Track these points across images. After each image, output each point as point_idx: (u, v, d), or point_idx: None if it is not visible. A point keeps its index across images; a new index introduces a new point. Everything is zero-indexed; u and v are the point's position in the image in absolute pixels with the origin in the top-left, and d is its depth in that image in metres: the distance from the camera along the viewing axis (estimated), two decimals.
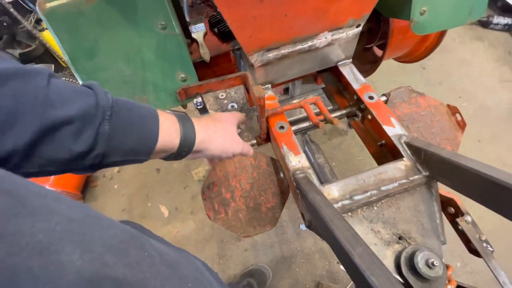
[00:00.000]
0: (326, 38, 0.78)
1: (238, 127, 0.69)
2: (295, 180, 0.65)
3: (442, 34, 1.03)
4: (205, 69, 0.97)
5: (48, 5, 0.60)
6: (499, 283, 0.50)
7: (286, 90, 1.83)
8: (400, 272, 0.51)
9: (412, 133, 0.81)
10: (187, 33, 0.92)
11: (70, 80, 1.82)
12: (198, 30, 0.98)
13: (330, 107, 0.94)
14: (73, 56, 0.67)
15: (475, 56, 2.21)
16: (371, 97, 0.79)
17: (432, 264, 0.48)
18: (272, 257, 1.50)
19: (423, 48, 1.13)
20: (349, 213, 0.60)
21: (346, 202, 0.60)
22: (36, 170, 0.35)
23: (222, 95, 2.12)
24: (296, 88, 1.42)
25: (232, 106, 2.05)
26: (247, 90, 0.73)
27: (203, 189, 0.76)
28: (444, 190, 0.63)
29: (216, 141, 0.56)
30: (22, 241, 0.19)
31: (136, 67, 0.72)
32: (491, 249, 0.55)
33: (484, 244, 0.56)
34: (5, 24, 1.81)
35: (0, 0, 1.73)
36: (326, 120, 0.73)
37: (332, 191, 0.63)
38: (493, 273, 0.51)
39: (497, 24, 2.31)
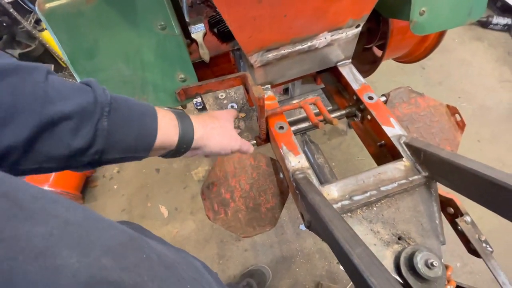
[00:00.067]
0: (325, 38, 0.78)
1: (234, 123, 0.69)
2: (294, 180, 0.65)
3: (441, 34, 1.03)
4: (205, 70, 0.97)
5: (48, 5, 0.60)
6: (499, 283, 0.50)
7: (286, 91, 1.83)
8: (399, 273, 0.51)
9: (412, 133, 0.81)
10: (186, 34, 0.92)
11: (70, 80, 1.82)
12: (198, 31, 0.98)
13: (330, 108, 0.94)
14: (73, 56, 0.67)
15: (474, 56, 2.21)
16: (370, 98, 0.79)
17: (432, 264, 0.48)
18: (272, 257, 1.50)
19: (422, 48, 1.13)
20: (349, 214, 0.60)
21: (346, 202, 0.60)
22: (35, 167, 0.35)
23: (221, 96, 2.12)
24: (295, 89, 1.42)
25: (232, 106, 2.05)
26: (247, 90, 0.73)
27: (203, 189, 0.76)
28: (444, 190, 0.63)
29: (215, 138, 0.56)
30: (19, 245, 0.19)
31: (135, 68, 0.72)
32: (491, 249, 0.55)
33: (484, 244, 0.56)
34: (4, 24, 1.81)
35: (0, 0, 1.73)
36: (326, 121, 0.73)
37: (332, 191, 0.63)
38: (492, 273, 0.51)
39: (496, 24, 2.31)
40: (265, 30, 0.67)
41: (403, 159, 0.66)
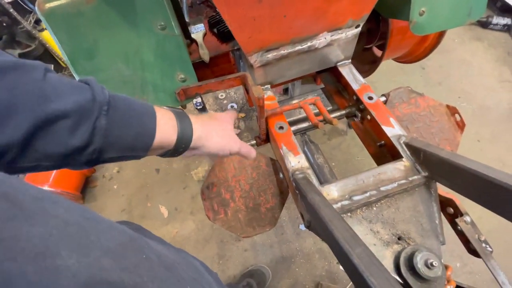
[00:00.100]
0: (325, 38, 0.78)
1: (234, 123, 0.69)
2: (294, 180, 0.65)
3: (441, 34, 1.04)
4: (205, 70, 0.97)
5: (48, 5, 0.60)
6: (498, 283, 0.50)
7: (286, 91, 1.83)
8: (399, 273, 0.51)
9: (411, 133, 0.81)
10: (186, 34, 0.92)
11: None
12: (198, 31, 0.98)
13: (330, 108, 0.94)
14: (73, 56, 0.67)
15: (474, 57, 2.21)
16: (370, 98, 0.79)
17: (431, 264, 0.48)
18: (272, 257, 1.50)
19: (422, 48, 1.13)
20: (349, 214, 0.60)
21: (346, 202, 0.60)
22: (32, 165, 0.35)
23: (221, 96, 2.12)
24: (295, 89, 1.43)
25: (232, 106, 2.05)
26: (247, 90, 0.73)
27: (203, 190, 0.76)
28: (443, 190, 0.63)
29: (213, 138, 0.55)
30: (18, 245, 0.19)
31: (135, 68, 0.72)
32: (490, 249, 0.55)
33: (483, 244, 0.56)
34: (4, 24, 1.81)
35: (0, 0, 1.73)
36: (326, 121, 0.73)
37: (332, 191, 0.63)
38: (492, 273, 0.51)
39: (496, 24, 2.31)
40: (265, 30, 0.67)
41: (403, 159, 0.66)
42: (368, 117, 0.77)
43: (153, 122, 0.45)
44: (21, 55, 1.90)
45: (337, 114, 0.85)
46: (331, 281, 1.41)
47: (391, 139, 0.70)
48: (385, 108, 0.76)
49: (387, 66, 1.97)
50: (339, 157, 1.78)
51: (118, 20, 0.65)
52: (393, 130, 0.71)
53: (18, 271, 0.18)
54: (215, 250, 1.53)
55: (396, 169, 0.65)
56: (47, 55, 2.07)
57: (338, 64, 0.91)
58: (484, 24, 2.36)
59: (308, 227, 0.64)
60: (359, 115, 0.83)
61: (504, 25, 2.30)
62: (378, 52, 1.16)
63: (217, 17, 0.97)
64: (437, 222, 0.59)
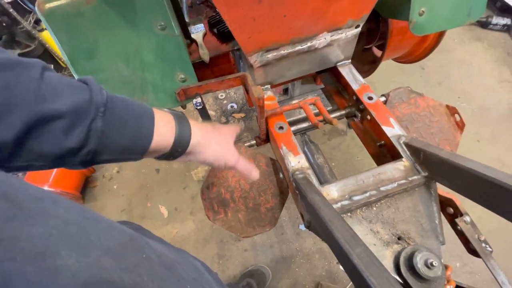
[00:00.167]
0: (325, 38, 0.78)
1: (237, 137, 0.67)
2: (294, 180, 0.65)
3: (441, 34, 1.04)
4: (205, 70, 0.97)
5: (48, 5, 0.60)
6: (498, 283, 0.50)
7: (286, 91, 1.83)
8: (399, 273, 0.51)
9: (411, 133, 0.81)
10: (186, 34, 0.92)
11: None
12: (198, 31, 0.98)
13: (329, 108, 0.95)
14: (72, 56, 0.67)
15: (474, 57, 2.22)
16: (370, 98, 0.79)
17: (431, 264, 0.48)
18: (272, 257, 1.50)
19: (422, 48, 1.13)
20: (348, 214, 0.60)
21: (345, 202, 0.60)
22: (25, 164, 0.34)
23: (221, 96, 2.12)
24: (295, 89, 1.43)
25: (232, 107, 2.05)
26: (247, 90, 0.73)
27: (203, 190, 0.76)
28: (443, 190, 0.63)
29: (211, 146, 0.54)
30: (18, 245, 0.19)
31: (135, 68, 0.72)
32: (490, 249, 0.55)
33: (483, 244, 0.56)
34: (4, 24, 1.81)
35: (0, 0, 1.73)
36: (326, 121, 0.73)
37: (332, 191, 0.63)
38: (492, 273, 0.51)
39: (496, 24, 2.31)
40: (265, 30, 0.67)
41: (403, 159, 0.66)
42: (368, 117, 0.77)
43: (151, 124, 0.44)
44: (20, 55, 1.90)
45: (337, 114, 0.85)
46: (331, 281, 1.41)
47: (391, 139, 0.70)
48: (385, 108, 0.76)
49: (387, 66, 1.97)
50: (339, 157, 1.78)
51: (118, 20, 0.65)
52: (393, 130, 0.71)
53: (18, 271, 0.18)
54: (215, 250, 1.53)
55: (396, 169, 0.65)
56: (47, 55, 2.07)
57: (338, 64, 0.91)
58: (483, 24, 2.36)
59: (308, 227, 0.64)
60: (359, 115, 0.83)
61: (504, 25, 2.31)
62: (378, 52, 1.16)
63: (217, 17, 0.97)
64: (437, 222, 0.59)
